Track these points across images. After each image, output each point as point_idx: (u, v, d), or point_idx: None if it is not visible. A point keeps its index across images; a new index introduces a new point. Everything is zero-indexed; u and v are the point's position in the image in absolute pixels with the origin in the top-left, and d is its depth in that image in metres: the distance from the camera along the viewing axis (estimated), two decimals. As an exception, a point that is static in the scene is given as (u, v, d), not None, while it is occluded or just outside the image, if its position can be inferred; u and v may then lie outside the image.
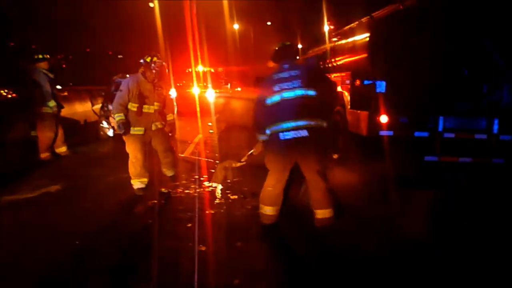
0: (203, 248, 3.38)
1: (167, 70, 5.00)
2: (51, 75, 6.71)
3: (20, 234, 3.70)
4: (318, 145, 3.53)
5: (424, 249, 3.39)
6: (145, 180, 4.85)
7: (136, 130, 4.74)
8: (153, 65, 4.76)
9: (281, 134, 3.47)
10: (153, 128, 4.86)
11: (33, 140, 6.68)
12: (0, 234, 3.69)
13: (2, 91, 7.08)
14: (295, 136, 3.43)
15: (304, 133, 3.43)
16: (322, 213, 3.63)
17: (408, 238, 3.60)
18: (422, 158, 5.45)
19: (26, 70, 6.65)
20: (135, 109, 4.73)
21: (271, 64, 3.88)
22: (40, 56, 6.66)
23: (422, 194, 4.83)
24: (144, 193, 4.82)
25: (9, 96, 7.15)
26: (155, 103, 4.88)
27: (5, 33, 17.26)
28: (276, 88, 3.53)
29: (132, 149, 4.78)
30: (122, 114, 4.66)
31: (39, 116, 6.55)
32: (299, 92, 3.47)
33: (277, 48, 3.86)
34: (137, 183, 4.84)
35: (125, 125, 4.63)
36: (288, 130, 3.45)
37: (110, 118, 8.87)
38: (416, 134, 5.45)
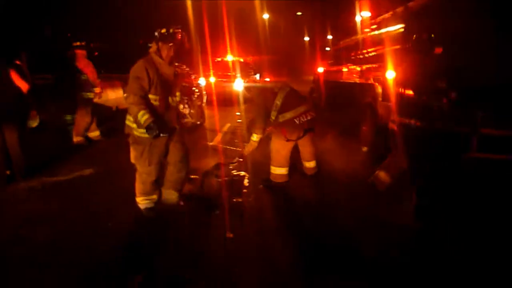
0: (231, 235, 3.43)
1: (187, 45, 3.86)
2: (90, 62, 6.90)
3: (59, 216, 3.86)
4: None
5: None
6: (155, 197, 3.90)
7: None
8: (170, 38, 3.60)
9: None
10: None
11: (67, 125, 6.92)
12: (40, 216, 3.86)
13: (38, 77, 7.32)
14: None
15: None
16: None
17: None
18: (459, 155, 5.24)
19: (67, 57, 6.85)
20: (157, 103, 3.63)
21: None
22: (78, 43, 6.84)
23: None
24: (154, 214, 3.89)
25: (43, 82, 7.40)
26: (178, 94, 3.92)
27: (43, 20, 17.83)
28: None
29: (145, 161, 3.68)
30: (146, 112, 3.44)
31: (80, 101, 6.77)
32: None
33: None
34: (145, 202, 3.84)
35: (157, 125, 3.46)
36: None
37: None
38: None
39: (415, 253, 3.24)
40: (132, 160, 3.87)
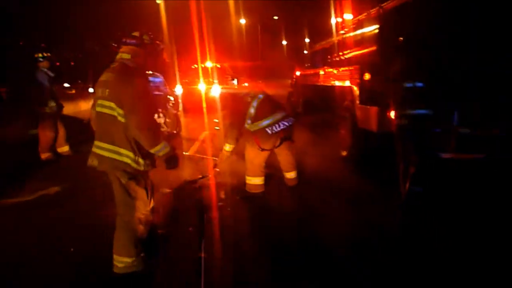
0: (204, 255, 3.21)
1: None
2: (52, 74, 6.58)
3: (12, 240, 3.55)
4: None
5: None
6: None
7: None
8: (149, 44, 2.97)
9: None
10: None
11: (33, 140, 6.57)
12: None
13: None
14: None
15: None
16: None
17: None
18: (437, 155, 5.16)
19: (27, 69, 6.53)
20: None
21: None
22: (40, 55, 6.52)
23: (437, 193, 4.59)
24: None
25: (4, 94, 7.05)
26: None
27: (12, 32, 17.26)
28: None
29: (142, 195, 2.90)
30: (164, 142, 2.82)
31: (39, 115, 6.42)
32: None
33: None
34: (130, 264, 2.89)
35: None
36: None
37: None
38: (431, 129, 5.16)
39: (401, 259, 3.07)
40: (127, 205, 2.85)
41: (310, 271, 2.97)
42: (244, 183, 4.74)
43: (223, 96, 13.28)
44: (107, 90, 2.74)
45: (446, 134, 5.16)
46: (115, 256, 2.90)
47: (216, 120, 10.95)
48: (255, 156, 4.59)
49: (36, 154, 6.50)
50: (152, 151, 2.79)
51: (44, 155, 6.54)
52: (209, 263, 3.04)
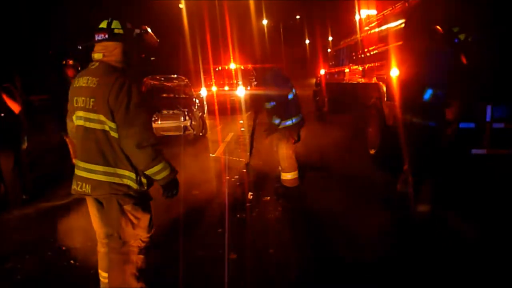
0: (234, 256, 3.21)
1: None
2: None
3: (48, 247, 3.65)
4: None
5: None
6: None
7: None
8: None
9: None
10: None
11: (65, 145, 6.75)
12: (29, 247, 3.65)
13: (34, 98, 7.21)
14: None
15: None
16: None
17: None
18: (468, 151, 5.00)
19: (55, 77, 6.71)
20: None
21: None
22: (70, 61, 6.68)
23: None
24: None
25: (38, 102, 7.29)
26: None
27: (45, 41, 17.83)
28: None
29: (146, 221, 2.41)
30: (165, 162, 2.30)
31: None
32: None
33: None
34: None
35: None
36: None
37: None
38: (462, 125, 4.99)
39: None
40: (127, 235, 2.35)
41: (340, 275, 2.92)
42: (279, 179, 4.79)
43: (248, 98, 13.40)
44: (92, 100, 2.22)
45: (478, 130, 5.00)
46: None
47: (241, 122, 11.01)
48: (288, 150, 4.66)
49: (68, 159, 6.68)
50: (148, 172, 2.25)
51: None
52: (237, 265, 3.04)
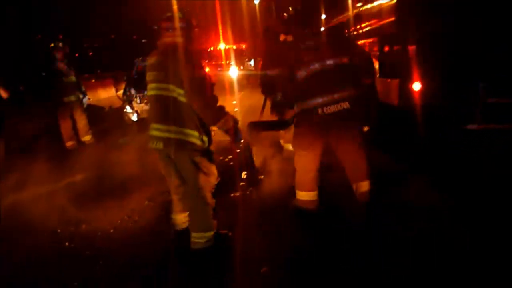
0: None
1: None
2: (64, 66, 6.62)
3: (40, 231, 3.62)
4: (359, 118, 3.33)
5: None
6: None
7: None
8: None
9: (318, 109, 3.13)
10: None
11: (57, 130, 6.73)
12: (20, 232, 3.64)
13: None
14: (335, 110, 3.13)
15: (346, 105, 3.14)
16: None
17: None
18: (462, 127, 4.99)
19: (42, 62, 6.64)
20: None
21: (282, 37, 3.64)
22: (52, 45, 6.58)
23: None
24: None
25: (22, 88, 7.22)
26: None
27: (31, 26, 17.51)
28: (305, 59, 3.17)
29: (214, 170, 2.96)
30: (226, 115, 2.86)
31: (58, 105, 6.57)
32: (330, 61, 3.14)
33: (291, 15, 3.58)
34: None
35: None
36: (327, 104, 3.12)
37: (133, 103, 8.82)
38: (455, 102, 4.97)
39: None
40: (202, 182, 2.85)
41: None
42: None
43: (241, 78, 13.31)
44: (163, 73, 2.75)
45: (472, 105, 5.00)
46: (194, 234, 2.91)
47: (235, 102, 10.94)
48: (308, 160, 3.51)
49: (60, 144, 6.66)
50: (215, 126, 2.80)
51: (68, 143, 6.72)
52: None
